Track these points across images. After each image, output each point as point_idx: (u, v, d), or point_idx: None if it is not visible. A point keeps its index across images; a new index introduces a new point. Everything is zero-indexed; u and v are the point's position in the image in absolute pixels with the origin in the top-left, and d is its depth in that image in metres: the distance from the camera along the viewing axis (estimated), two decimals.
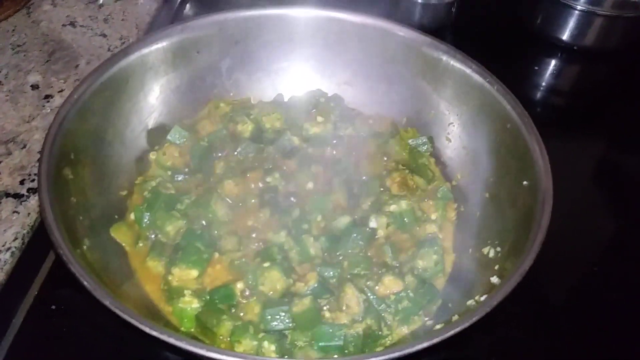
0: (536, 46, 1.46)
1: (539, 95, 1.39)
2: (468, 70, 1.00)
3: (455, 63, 1.02)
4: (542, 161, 0.86)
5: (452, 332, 0.66)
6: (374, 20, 1.07)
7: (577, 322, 0.95)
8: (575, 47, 1.43)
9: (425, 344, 0.65)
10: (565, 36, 1.41)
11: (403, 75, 1.08)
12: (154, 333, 0.65)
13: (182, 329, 0.82)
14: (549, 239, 0.78)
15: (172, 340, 0.65)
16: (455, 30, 1.45)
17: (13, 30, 1.24)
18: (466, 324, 0.67)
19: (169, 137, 1.03)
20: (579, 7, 1.36)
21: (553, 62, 1.44)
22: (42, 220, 0.75)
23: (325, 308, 0.84)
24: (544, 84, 1.41)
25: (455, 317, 0.78)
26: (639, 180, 1.21)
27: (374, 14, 1.08)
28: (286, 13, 1.08)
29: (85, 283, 0.69)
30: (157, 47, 1.01)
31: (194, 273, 0.86)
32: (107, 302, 0.67)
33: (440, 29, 1.42)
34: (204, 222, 0.92)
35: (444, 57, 1.03)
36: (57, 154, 0.83)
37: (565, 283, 1.01)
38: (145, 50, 0.99)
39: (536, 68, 1.43)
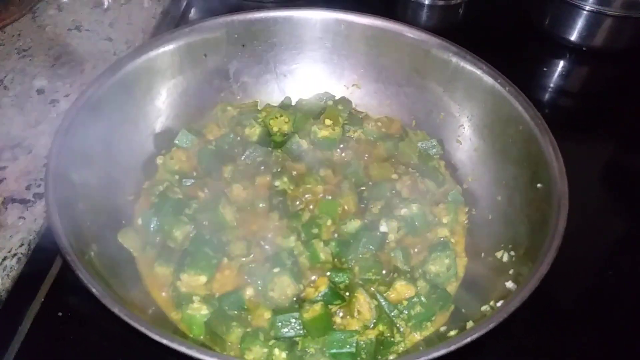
0: (545, 47, 1.45)
1: (547, 96, 1.38)
2: (479, 72, 0.99)
3: (465, 64, 1.00)
4: (556, 164, 0.84)
5: (468, 339, 0.64)
6: (382, 22, 1.06)
7: (592, 328, 0.93)
8: (584, 48, 1.42)
9: (442, 351, 0.63)
10: (574, 37, 1.40)
11: (412, 77, 1.07)
12: (164, 341, 0.64)
13: (191, 335, 0.80)
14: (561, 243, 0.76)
15: (182, 349, 0.63)
16: (462, 31, 1.44)
17: (19, 34, 1.23)
18: (483, 331, 0.66)
19: (176, 141, 1.03)
20: (587, 8, 1.35)
21: (562, 63, 1.43)
22: (49, 226, 0.74)
23: (336, 314, 0.83)
24: (552, 84, 1.39)
25: (470, 323, 0.77)
26: None
27: (382, 16, 1.07)
28: (293, 15, 1.07)
29: (93, 290, 0.68)
30: (164, 50, 1.00)
31: (203, 279, 0.85)
32: (116, 310, 0.66)
33: (447, 30, 1.40)
34: (212, 227, 0.91)
35: (454, 59, 1.01)
36: (64, 159, 0.82)
37: (579, 288, 0.99)
38: (152, 54, 0.99)
39: (545, 69, 1.42)
